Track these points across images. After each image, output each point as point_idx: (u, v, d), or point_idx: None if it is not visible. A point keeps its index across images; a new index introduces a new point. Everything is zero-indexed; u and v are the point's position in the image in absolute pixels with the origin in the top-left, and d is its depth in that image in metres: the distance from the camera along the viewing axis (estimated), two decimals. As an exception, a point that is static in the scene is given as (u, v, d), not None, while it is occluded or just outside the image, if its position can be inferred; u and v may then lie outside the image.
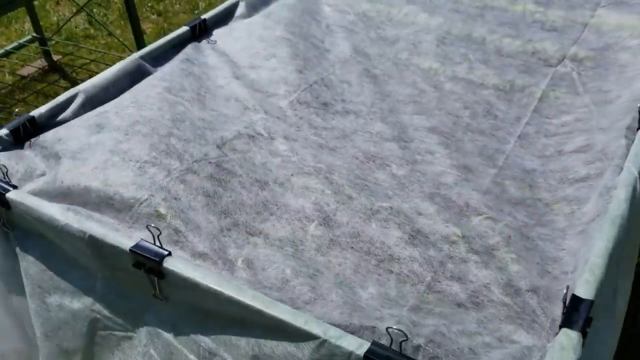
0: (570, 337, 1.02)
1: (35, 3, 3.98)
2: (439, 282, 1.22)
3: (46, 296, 1.31)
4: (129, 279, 1.24)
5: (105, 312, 1.27)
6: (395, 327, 1.03)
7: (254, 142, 1.58)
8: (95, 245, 1.22)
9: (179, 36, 1.98)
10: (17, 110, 1.52)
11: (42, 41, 4.11)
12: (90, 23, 4.89)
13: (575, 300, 1.07)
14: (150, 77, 1.80)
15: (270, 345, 1.08)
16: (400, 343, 1.01)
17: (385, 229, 1.33)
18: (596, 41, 2.04)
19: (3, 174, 1.38)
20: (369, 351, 1.00)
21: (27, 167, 1.46)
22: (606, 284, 1.13)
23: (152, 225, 1.21)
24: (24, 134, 1.55)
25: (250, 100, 1.72)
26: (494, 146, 1.63)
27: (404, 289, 1.21)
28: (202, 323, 1.18)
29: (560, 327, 1.04)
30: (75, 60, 4.31)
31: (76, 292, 1.29)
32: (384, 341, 1.03)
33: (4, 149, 1.51)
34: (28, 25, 4.63)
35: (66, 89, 3.88)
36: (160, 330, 1.21)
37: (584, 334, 1.03)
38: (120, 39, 4.22)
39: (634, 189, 1.32)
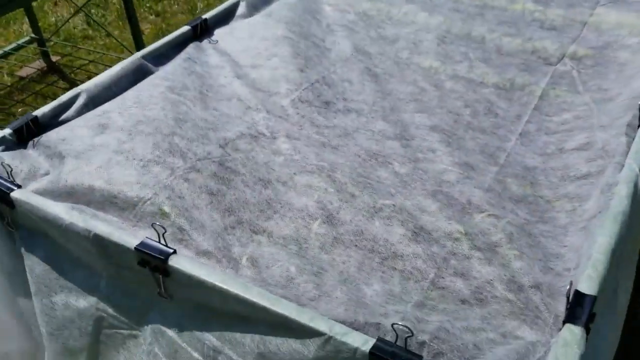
0: (573, 333, 1.02)
1: (34, 4, 3.98)
2: (443, 278, 1.23)
3: (52, 295, 1.32)
4: (133, 278, 1.25)
5: (110, 310, 1.27)
6: (400, 323, 1.03)
7: (257, 141, 1.58)
8: (100, 243, 1.23)
9: (180, 36, 1.99)
10: (20, 110, 1.52)
11: (41, 42, 4.11)
12: (88, 24, 4.89)
13: (579, 295, 1.08)
14: (152, 76, 1.80)
15: (275, 343, 1.09)
16: (406, 339, 1.01)
17: (389, 226, 1.34)
18: (595, 39, 2.05)
19: (7, 173, 1.38)
20: (374, 347, 1.00)
21: (30, 166, 1.46)
22: (608, 280, 1.14)
23: (157, 223, 1.21)
24: (27, 134, 1.55)
25: (252, 100, 1.73)
26: (495, 144, 1.64)
27: (407, 286, 1.21)
28: (206, 321, 1.18)
29: (564, 322, 1.05)
30: (74, 61, 4.31)
31: (81, 291, 1.30)
32: (389, 337, 1.03)
33: (8, 149, 1.51)
34: (26, 26, 4.63)
35: (65, 89, 3.89)
36: (164, 329, 1.22)
37: (587, 330, 1.04)
38: (119, 40, 4.22)
39: (635, 186, 1.33)
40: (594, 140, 1.58)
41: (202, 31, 2.04)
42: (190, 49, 1.95)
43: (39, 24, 4.15)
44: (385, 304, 1.16)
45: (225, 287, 1.11)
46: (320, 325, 1.04)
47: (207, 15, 2.09)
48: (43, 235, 1.35)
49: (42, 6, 5.22)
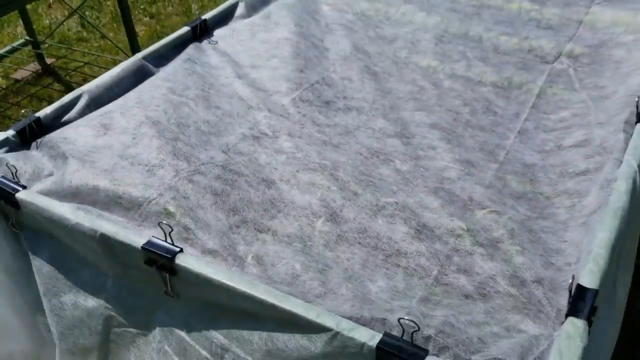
0: (576, 326, 1.04)
1: (28, 6, 3.97)
2: (446, 275, 1.25)
3: (60, 295, 1.32)
4: (140, 277, 1.26)
5: (118, 309, 1.28)
6: (406, 318, 1.05)
7: (259, 142, 1.59)
8: (107, 243, 1.24)
9: (180, 36, 2.00)
10: (23, 111, 1.52)
11: (35, 44, 4.10)
12: (82, 26, 4.89)
13: (581, 289, 1.10)
14: (154, 77, 1.81)
15: (282, 339, 1.10)
16: (412, 334, 1.03)
17: (392, 224, 1.35)
18: (591, 38, 2.07)
19: (12, 174, 1.38)
20: (381, 342, 1.02)
21: (34, 167, 1.46)
22: (608, 275, 1.16)
23: (164, 222, 1.22)
24: (30, 135, 1.56)
25: (254, 99, 1.74)
26: (495, 142, 1.66)
27: (412, 282, 1.23)
28: (214, 319, 1.19)
29: (567, 316, 1.07)
30: (69, 63, 4.30)
31: (89, 291, 1.30)
32: (395, 332, 1.05)
33: (11, 150, 1.52)
34: (20, 28, 4.62)
35: (60, 92, 3.90)
36: (173, 327, 1.22)
37: (589, 323, 1.06)
38: (114, 42, 4.22)
39: (634, 182, 1.35)
40: (592, 137, 1.60)
41: (201, 32, 2.05)
42: (191, 49, 1.96)
43: (33, 27, 4.15)
44: (390, 299, 1.18)
45: (232, 284, 1.12)
46: (327, 321, 1.05)
47: (206, 16, 2.10)
48: (48, 236, 1.35)
49: (36, 9, 5.21)
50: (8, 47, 4.14)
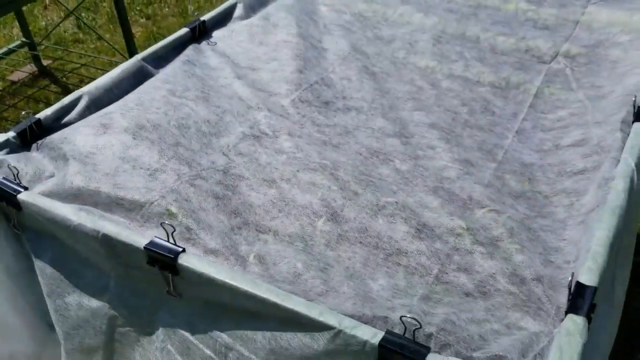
0: (576, 323, 1.05)
1: (24, 8, 3.97)
2: (447, 273, 1.26)
3: (64, 296, 1.33)
4: (142, 277, 1.26)
5: (121, 309, 1.29)
6: (408, 315, 1.06)
7: (259, 142, 1.60)
8: (109, 243, 1.24)
9: (179, 38, 2.00)
10: (23, 112, 1.53)
11: (32, 46, 4.10)
12: (79, 27, 4.88)
13: (580, 287, 1.11)
14: (153, 79, 1.82)
15: (286, 338, 1.11)
16: (414, 331, 1.04)
17: (392, 223, 1.36)
18: (587, 38, 2.09)
19: (14, 175, 1.39)
20: (383, 339, 1.03)
21: (36, 168, 1.47)
22: (606, 272, 1.17)
23: (167, 222, 1.23)
24: (31, 136, 1.56)
25: (253, 99, 1.75)
26: (493, 141, 1.67)
27: (412, 280, 1.24)
28: (217, 318, 1.20)
29: (566, 313, 1.08)
30: (65, 64, 4.31)
31: (93, 291, 1.31)
32: (397, 330, 1.06)
33: (12, 151, 1.52)
34: (17, 30, 4.62)
35: (57, 93, 3.90)
36: (175, 326, 1.23)
37: (588, 319, 1.07)
38: (111, 43, 4.22)
39: (632, 180, 1.36)
40: (589, 137, 1.62)
41: (200, 33, 2.06)
42: (190, 51, 1.97)
43: (30, 28, 4.14)
44: (391, 298, 1.19)
45: (235, 284, 1.13)
46: (330, 319, 1.06)
47: (205, 17, 2.11)
48: (51, 237, 1.36)
49: (32, 10, 5.21)
50: (4, 49, 4.14)
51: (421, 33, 2.16)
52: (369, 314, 1.11)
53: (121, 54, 3.93)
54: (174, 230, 1.21)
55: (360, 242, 1.32)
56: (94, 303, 1.31)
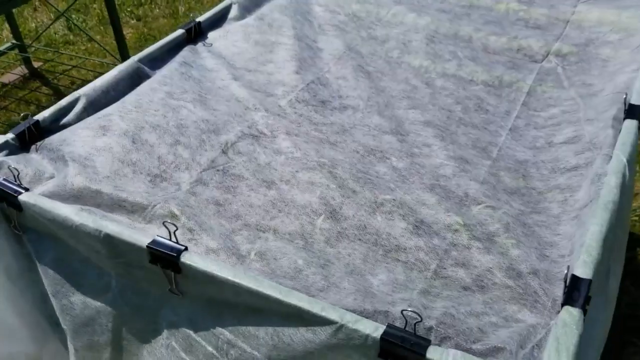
0: (572, 314, 1.08)
1: (14, 10, 3.95)
2: (445, 268, 1.28)
3: (69, 295, 1.34)
4: (144, 276, 1.27)
5: (124, 308, 1.30)
6: (409, 309, 1.08)
7: (258, 141, 1.62)
8: (111, 243, 1.25)
9: (174, 39, 2.01)
10: (22, 114, 1.53)
11: (22, 48, 4.09)
12: (69, 29, 4.87)
13: (575, 279, 1.14)
14: (150, 80, 1.83)
15: (288, 333, 1.12)
16: (414, 325, 1.06)
17: (390, 220, 1.38)
18: (578, 37, 2.12)
19: (14, 176, 1.39)
20: (385, 333, 1.04)
21: (35, 170, 1.47)
22: (600, 266, 1.20)
23: (168, 221, 1.24)
24: (29, 138, 1.57)
25: (251, 100, 1.77)
26: (487, 139, 1.70)
27: (412, 275, 1.26)
28: (219, 315, 1.21)
29: (562, 305, 1.11)
30: (56, 66, 4.29)
31: (96, 290, 1.32)
32: (398, 324, 1.08)
33: (11, 153, 1.52)
34: (7, 32, 4.60)
35: (48, 95, 3.89)
36: (178, 324, 1.24)
37: (584, 311, 1.10)
38: (102, 45, 4.21)
39: (624, 176, 1.39)
40: (582, 134, 1.65)
41: (195, 34, 2.07)
42: (185, 52, 1.98)
43: (20, 30, 4.13)
44: (391, 292, 1.21)
45: (237, 281, 1.14)
46: (332, 314, 1.08)
47: (200, 19, 2.12)
48: (52, 237, 1.36)
49: (22, 12, 5.19)
50: (-5, 51, 4.13)
51: (414, 33, 2.19)
52: (370, 308, 1.13)
53: (112, 56, 3.93)
54: (176, 229, 1.23)
55: (360, 239, 1.34)
56: (98, 302, 1.32)
